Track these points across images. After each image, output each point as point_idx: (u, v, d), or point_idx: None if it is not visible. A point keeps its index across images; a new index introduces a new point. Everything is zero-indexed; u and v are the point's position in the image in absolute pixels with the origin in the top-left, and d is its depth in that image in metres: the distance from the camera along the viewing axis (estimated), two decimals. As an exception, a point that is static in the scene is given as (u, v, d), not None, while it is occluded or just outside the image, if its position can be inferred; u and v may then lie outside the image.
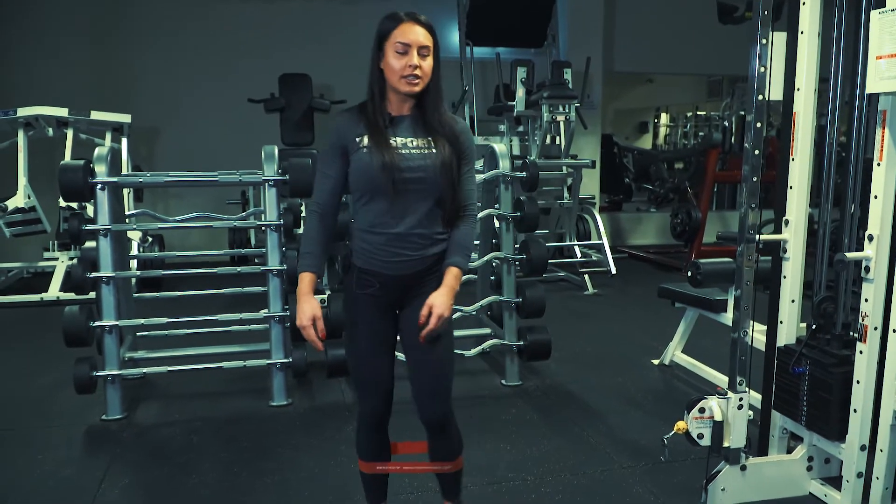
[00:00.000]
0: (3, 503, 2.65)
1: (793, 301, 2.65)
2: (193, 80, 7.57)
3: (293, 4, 7.75)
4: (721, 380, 3.49)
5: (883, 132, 2.21)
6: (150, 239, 6.36)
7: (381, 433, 2.18)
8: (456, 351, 2.50)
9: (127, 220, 4.17)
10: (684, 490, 2.71)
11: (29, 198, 5.79)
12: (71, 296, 3.84)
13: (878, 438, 2.37)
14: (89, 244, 3.74)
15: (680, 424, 2.53)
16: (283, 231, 3.68)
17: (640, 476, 2.85)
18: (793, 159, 2.58)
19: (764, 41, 2.31)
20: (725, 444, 2.53)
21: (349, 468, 2.84)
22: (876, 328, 2.33)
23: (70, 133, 6.10)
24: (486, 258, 3.97)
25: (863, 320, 2.34)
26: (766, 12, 2.25)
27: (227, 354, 3.80)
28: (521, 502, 2.64)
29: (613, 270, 6.41)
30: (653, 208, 9.50)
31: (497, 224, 4.17)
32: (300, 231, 4.29)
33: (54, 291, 5.85)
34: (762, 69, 2.33)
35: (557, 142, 6.76)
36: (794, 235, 2.60)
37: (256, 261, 5.79)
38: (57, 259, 6.35)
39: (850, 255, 2.30)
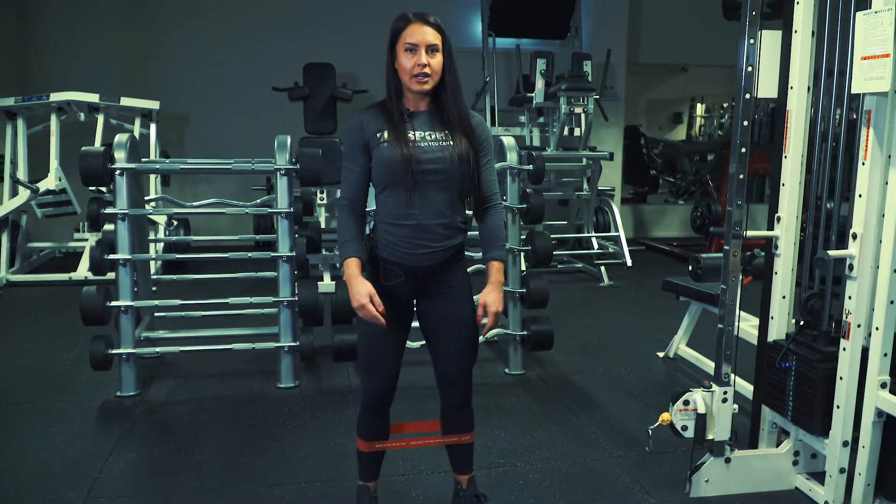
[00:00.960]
0: (12, 472, 2.80)
1: (783, 297, 2.68)
2: (220, 68, 7.73)
3: (318, -6, 7.85)
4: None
5: (867, 132, 2.21)
6: (176, 223, 6.53)
7: (383, 416, 2.29)
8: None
9: (148, 205, 4.30)
10: (671, 481, 2.75)
11: (60, 180, 5.99)
12: (99, 276, 3.99)
13: (861, 435, 2.39)
14: (108, 227, 3.88)
15: (664, 416, 2.58)
16: (294, 218, 3.78)
17: (629, 466, 2.89)
18: (785, 157, 2.59)
19: (752, 41, 2.33)
20: (709, 437, 2.58)
21: (346, 449, 2.93)
22: (859, 325, 2.34)
23: (101, 118, 6.30)
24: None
25: (846, 318, 2.36)
26: (753, 13, 2.27)
27: (238, 337, 3.91)
28: (508, 487, 2.70)
29: (629, 262, 6.41)
30: (680, 201, 9.42)
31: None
32: (309, 219, 4.38)
33: (83, 271, 6.03)
34: (749, 68, 2.35)
35: (576, 133, 6.76)
36: (785, 232, 2.62)
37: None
38: (87, 240, 6.53)
39: (833, 252, 2.31)
